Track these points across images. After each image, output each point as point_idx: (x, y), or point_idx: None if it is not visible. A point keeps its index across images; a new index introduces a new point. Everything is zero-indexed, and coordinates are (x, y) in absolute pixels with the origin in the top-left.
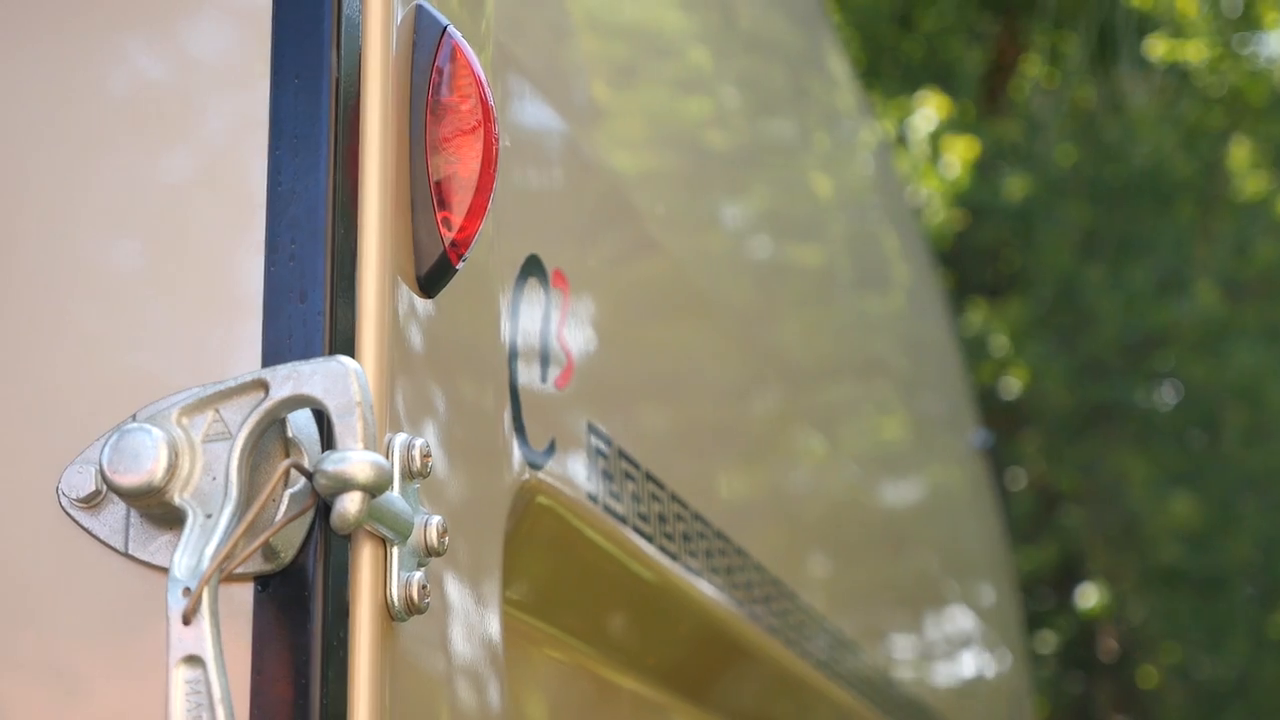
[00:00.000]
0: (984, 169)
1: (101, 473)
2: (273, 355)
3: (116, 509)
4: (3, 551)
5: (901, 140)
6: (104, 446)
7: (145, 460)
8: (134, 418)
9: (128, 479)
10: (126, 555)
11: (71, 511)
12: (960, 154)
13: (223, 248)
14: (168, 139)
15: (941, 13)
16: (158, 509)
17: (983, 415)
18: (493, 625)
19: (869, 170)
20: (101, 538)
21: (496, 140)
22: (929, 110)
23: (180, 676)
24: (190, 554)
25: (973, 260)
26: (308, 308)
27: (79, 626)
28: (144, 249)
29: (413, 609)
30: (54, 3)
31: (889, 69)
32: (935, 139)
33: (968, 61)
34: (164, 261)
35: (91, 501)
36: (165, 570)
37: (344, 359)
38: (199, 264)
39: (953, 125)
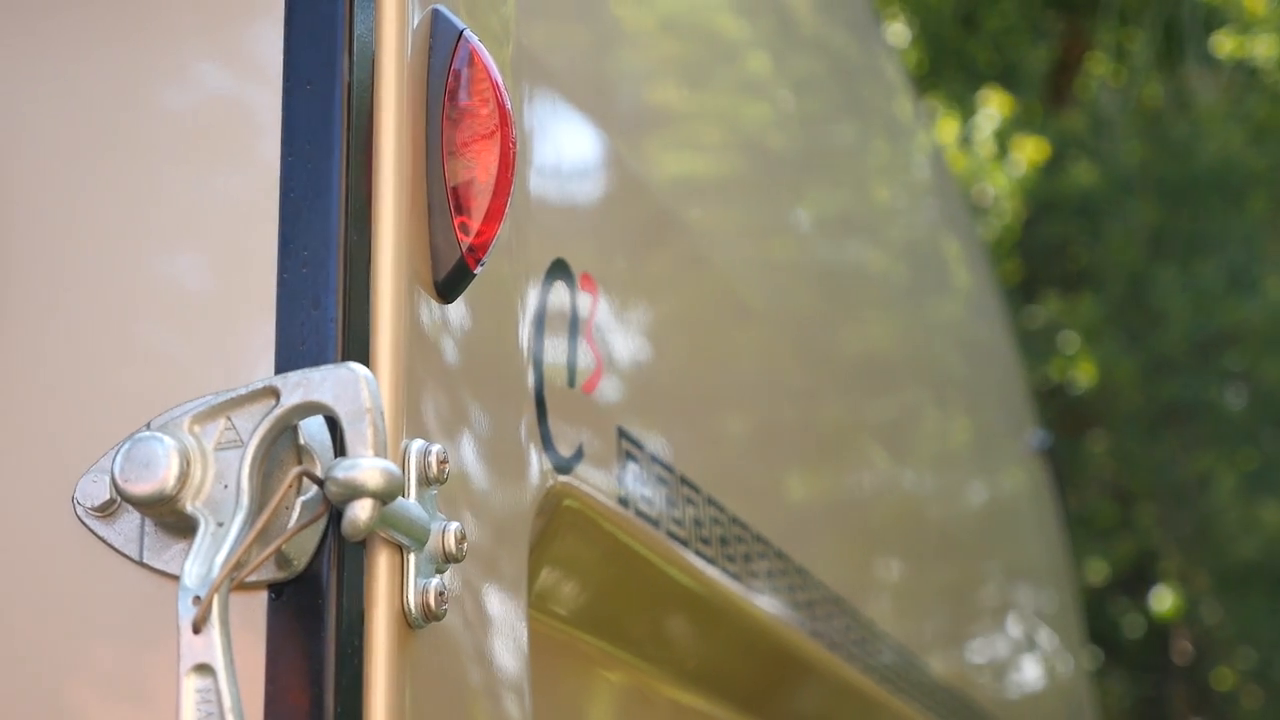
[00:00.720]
0: (1051, 165)
1: (113, 482)
2: (286, 362)
3: (131, 518)
4: (19, 560)
5: (966, 140)
6: (116, 455)
7: (157, 469)
8: (148, 426)
9: (139, 488)
10: (141, 564)
11: (87, 520)
12: (1028, 155)
13: (236, 255)
14: (178, 146)
15: (1005, 12)
16: (170, 517)
17: (1052, 413)
18: (518, 631)
19: (922, 174)
20: (116, 546)
21: (514, 144)
22: (993, 110)
23: (191, 685)
24: (201, 562)
25: (1041, 255)
26: (320, 314)
27: (94, 635)
28: (156, 258)
29: (430, 616)
30: (58, 12)
31: (953, 69)
32: (1002, 138)
33: (1032, 60)
34: (177, 270)
35: (106, 510)
36: (179, 579)
37: (354, 365)
38: (212, 271)
39: (1018, 124)
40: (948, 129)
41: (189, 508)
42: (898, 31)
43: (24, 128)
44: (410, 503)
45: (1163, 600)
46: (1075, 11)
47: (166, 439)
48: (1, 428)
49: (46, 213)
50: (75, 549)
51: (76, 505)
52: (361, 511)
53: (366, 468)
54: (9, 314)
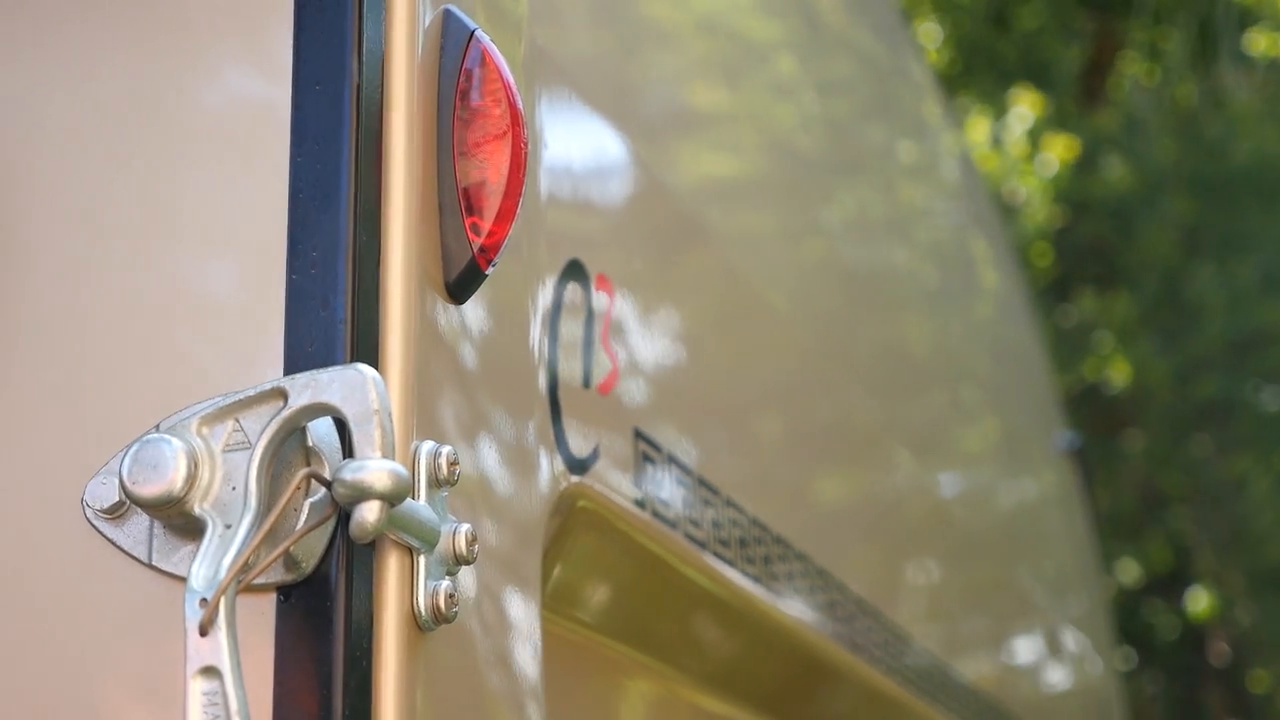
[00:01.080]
0: (1084, 164)
1: (121, 484)
2: (295, 364)
3: (140, 520)
4: (29, 562)
5: (998, 140)
6: (124, 457)
7: (164, 471)
8: (156, 428)
9: (147, 490)
10: (150, 566)
11: (96, 523)
12: (1059, 153)
13: (244, 256)
14: (187, 148)
15: (1037, 11)
16: (179, 519)
17: (1086, 413)
18: (532, 633)
19: (949, 175)
20: (125, 549)
21: (526, 144)
22: (1024, 109)
23: (197, 688)
24: (208, 564)
25: (1075, 254)
26: (329, 315)
27: (103, 637)
28: (165, 259)
29: (440, 618)
30: (69, 18)
31: (984, 69)
32: (1033, 136)
33: (1065, 60)
34: (186, 270)
35: (115, 513)
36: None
37: (362, 367)
38: (221, 272)
39: (1050, 123)
40: (979, 128)
41: (197, 510)
42: (928, 31)
43: (37, 131)
44: (419, 504)
45: (1198, 601)
46: (1108, 11)
47: (174, 440)
48: (11, 429)
49: (58, 214)
50: (84, 551)
51: (85, 507)
52: (369, 513)
53: (374, 469)
54: (19, 315)
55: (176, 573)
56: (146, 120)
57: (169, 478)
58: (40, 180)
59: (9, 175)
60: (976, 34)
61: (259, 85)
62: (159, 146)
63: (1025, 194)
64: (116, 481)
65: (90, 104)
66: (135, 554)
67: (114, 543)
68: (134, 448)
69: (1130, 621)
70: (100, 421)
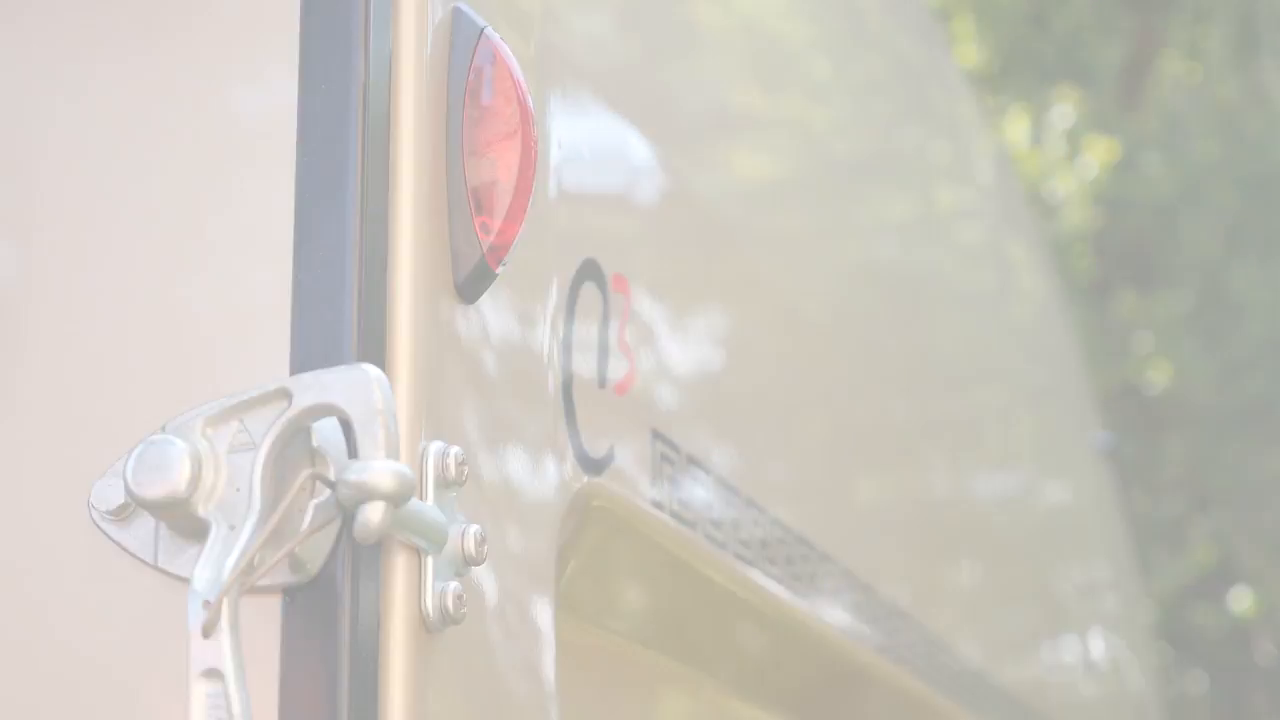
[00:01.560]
0: (1124, 163)
1: (126, 485)
2: (301, 364)
3: (146, 521)
4: (35, 563)
5: (1037, 139)
6: (128, 459)
7: (169, 472)
8: (163, 429)
9: (151, 491)
10: (156, 568)
11: (102, 524)
12: (1099, 155)
13: (251, 256)
14: (193, 146)
15: (1076, 10)
16: (184, 521)
17: (1128, 413)
18: (544, 634)
19: (983, 176)
20: (131, 550)
21: (536, 143)
22: (1064, 107)
23: (201, 690)
24: (211, 566)
25: (1117, 254)
26: (336, 316)
27: (109, 639)
28: (173, 258)
29: (448, 620)
30: (72, 15)
31: (1022, 68)
32: (1073, 136)
33: (1105, 58)
34: (192, 270)
35: (121, 514)
36: None
37: (367, 367)
38: (227, 273)
39: (1089, 122)
40: (1018, 127)
41: (201, 511)
42: (966, 30)
43: (42, 132)
44: (427, 505)
45: (1241, 601)
46: (1148, 9)
47: (179, 442)
48: (18, 429)
49: (64, 215)
50: (90, 553)
51: (91, 509)
52: (373, 514)
53: (377, 470)
54: (26, 315)
55: (182, 574)
56: (152, 120)
57: (173, 479)
58: (45, 180)
59: (14, 176)
60: (1015, 32)
61: (265, 84)
62: (165, 146)
63: (1064, 195)
64: (122, 483)
65: (95, 104)
66: (141, 556)
67: (120, 544)
68: (138, 449)
69: (1173, 622)
70: (106, 422)
